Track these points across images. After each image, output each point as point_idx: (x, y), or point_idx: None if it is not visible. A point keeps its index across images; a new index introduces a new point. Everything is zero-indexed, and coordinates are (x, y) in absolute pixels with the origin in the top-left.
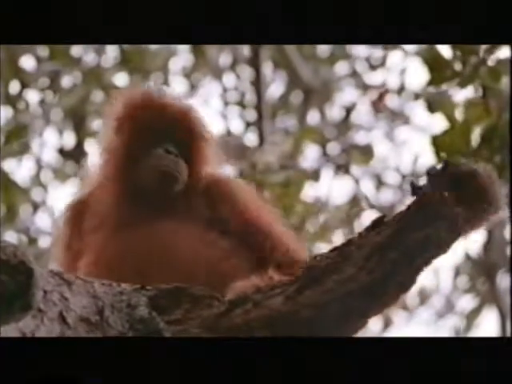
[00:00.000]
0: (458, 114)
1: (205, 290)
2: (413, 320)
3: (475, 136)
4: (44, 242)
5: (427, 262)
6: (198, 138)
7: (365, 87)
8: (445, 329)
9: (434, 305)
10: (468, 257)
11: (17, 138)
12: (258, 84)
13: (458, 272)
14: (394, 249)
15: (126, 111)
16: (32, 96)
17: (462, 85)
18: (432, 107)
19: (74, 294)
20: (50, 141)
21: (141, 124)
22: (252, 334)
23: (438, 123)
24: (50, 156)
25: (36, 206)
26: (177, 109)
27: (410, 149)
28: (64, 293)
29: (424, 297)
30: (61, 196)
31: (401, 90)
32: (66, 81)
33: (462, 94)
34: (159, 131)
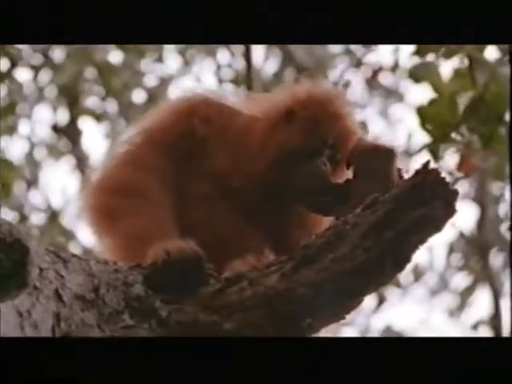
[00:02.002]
0: (444, 85)
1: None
2: (406, 297)
3: (461, 106)
4: (36, 219)
5: (422, 241)
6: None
7: (358, 65)
8: (438, 306)
9: (427, 282)
10: (461, 234)
11: (9, 115)
12: (250, 61)
13: (451, 249)
14: (390, 228)
15: (311, 109)
16: (25, 73)
17: (448, 55)
18: (418, 78)
19: (70, 271)
20: (44, 118)
21: (317, 129)
22: (247, 311)
23: (425, 95)
24: (43, 133)
25: (29, 184)
26: (350, 128)
27: (404, 126)
28: (60, 270)
29: (418, 274)
30: (54, 173)
31: (395, 67)
32: (59, 58)
33: (447, 65)
34: (327, 142)
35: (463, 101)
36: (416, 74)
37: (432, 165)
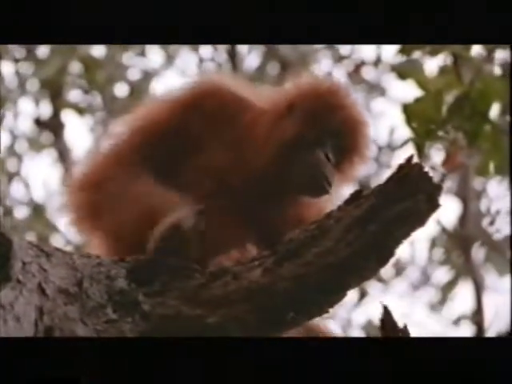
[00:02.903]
0: (429, 83)
1: (184, 261)
2: (388, 291)
3: (446, 104)
4: (19, 213)
5: (406, 235)
6: (356, 157)
7: (341, 59)
8: (420, 301)
9: (409, 276)
10: (443, 229)
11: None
12: (234, 55)
13: (433, 244)
14: (374, 222)
15: (311, 100)
16: (9, 67)
17: (433, 53)
18: (403, 75)
19: (53, 265)
20: (26, 111)
21: (317, 119)
22: (231, 305)
23: (410, 92)
24: (25, 126)
25: (11, 177)
26: (354, 117)
27: (386, 121)
28: (43, 264)
29: (399, 268)
30: (36, 166)
31: (377, 61)
32: (43, 52)
33: (433, 62)
34: (329, 133)
35: (448, 98)
36: (401, 72)
37: (416, 160)
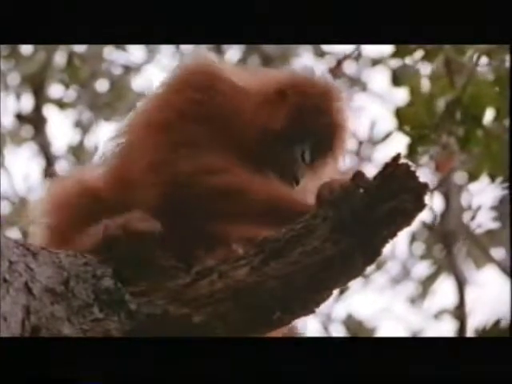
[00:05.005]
0: (422, 87)
1: (170, 260)
2: (368, 286)
3: (439, 109)
4: (3, 208)
5: (393, 234)
6: (330, 159)
7: (322, 53)
8: (400, 295)
9: (389, 271)
10: (424, 224)
11: None
12: (215, 49)
13: (413, 238)
14: (360, 221)
15: (304, 97)
16: None
17: (427, 58)
18: (397, 80)
19: (40, 264)
20: (7, 105)
21: (304, 118)
22: (217, 304)
23: (402, 95)
24: (6, 120)
25: None
26: (339, 123)
27: (367, 115)
28: (29, 263)
29: (380, 263)
30: (17, 160)
31: (358, 56)
32: (25, 48)
33: (426, 67)
34: (312, 133)
35: (441, 103)
36: (396, 77)
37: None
